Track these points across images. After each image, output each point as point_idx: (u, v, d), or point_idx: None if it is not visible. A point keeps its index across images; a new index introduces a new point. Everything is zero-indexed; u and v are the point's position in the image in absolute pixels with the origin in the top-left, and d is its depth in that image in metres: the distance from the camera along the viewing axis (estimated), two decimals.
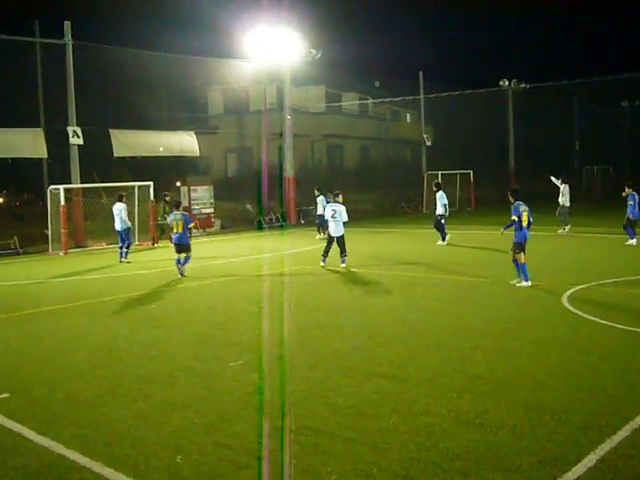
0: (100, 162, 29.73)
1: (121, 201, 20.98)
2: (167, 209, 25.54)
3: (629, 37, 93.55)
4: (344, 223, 17.26)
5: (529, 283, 13.89)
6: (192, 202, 30.06)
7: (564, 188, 24.98)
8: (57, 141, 26.86)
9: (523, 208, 13.71)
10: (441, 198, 22.36)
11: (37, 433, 6.67)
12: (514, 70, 57.25)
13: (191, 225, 16.97)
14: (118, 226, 20.75)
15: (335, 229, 17.27)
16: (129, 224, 20.97)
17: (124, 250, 20.66)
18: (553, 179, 26.16)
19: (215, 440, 6.36)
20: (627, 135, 59.52)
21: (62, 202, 23.61)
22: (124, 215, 20.70)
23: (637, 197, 20.56)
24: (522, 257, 13.87)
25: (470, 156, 44.58)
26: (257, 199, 34.33)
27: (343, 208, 17.29)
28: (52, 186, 24.76)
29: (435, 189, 22.68)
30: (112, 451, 6.19)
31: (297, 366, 8.64)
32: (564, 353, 8.90)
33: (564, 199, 24.85)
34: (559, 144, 54.14)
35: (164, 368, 8.85)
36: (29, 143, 25.69)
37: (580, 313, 11.23)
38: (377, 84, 48.88)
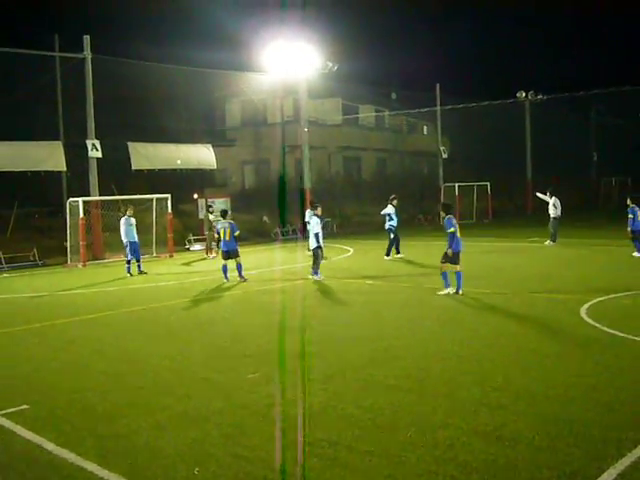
0: (118, 175, 29.96)
1: (125, 215, 20.74)
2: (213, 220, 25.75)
3: None
4: (316, 235, 17.64)
5: (449, 290, 14.71)
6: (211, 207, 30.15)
7: (555, 201, 24.90)
8: (76, 154, 27.11)
9: (455, 222, 14.65)
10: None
11: (56, 444, 6.71)
12: (531, 81, 57.06)
13: (237, 233, 17.57)
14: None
15: (310, 241, 17.86)
16: (125, 239, 20.44)
17: (128, 265, 20.43)
18: (540, 195, 26.17)
19: (233, 452, 6.37)
20: None
21: (81, 214, 23.81)
22: (122, 229, 20.44)
23: (637, 210, 20.74)
24: (449, 267, 14.69)
25: (487, 168, 44.50)
26: (276, 211, 34.44)
27: (315, 221, 17.76)
28: (71, 199, 24.98)
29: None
30: (130, 463, 6.22)
31: (314, 378, 8.63)
32: (583, 366, 8.84)
33: (556, 211, 24.80)
34: (577, 155, 53.90)
35: (182, 380, 8.88)
36: (48, 156, 25.94)
37: (599, 326, 11.15)
38: (393, 96, 48.98)
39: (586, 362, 9.04)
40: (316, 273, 17.74)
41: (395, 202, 22.49)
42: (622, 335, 10.43)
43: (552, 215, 24.99)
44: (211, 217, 26.58)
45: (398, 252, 22.47)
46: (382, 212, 22.73)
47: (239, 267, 17.62)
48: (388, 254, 22.27)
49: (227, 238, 17.45)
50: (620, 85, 40.85)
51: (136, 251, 20.59)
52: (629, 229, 20.93)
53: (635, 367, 8.73)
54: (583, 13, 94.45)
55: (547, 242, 24.88)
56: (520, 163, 48.00)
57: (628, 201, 21.32)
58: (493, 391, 7.87)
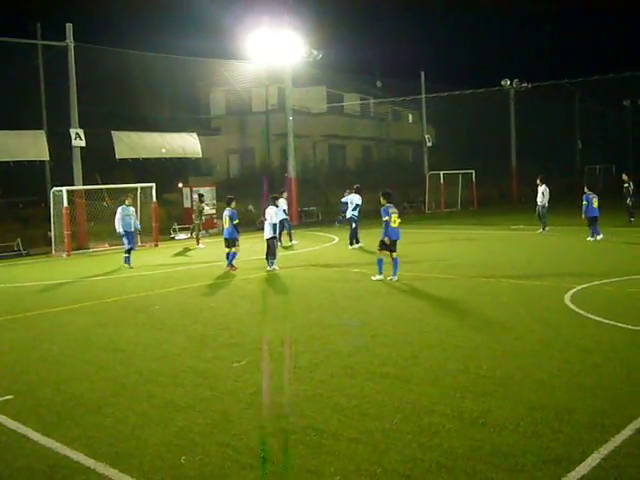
0: (103, 164, 29.79)
1: (123, 204, 20.19)
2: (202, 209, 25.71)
3: (630, 36, 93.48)
4: (273, 225, 17.71)
5: (381, 277, 15.24)
6: (194, 203, 30.12)
7: (544, 189, 25.02)
8: (59, 143, 26.90)
9: (392, 210, 15.07)
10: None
11: (42, 434, 6.69)
12: (516, 70, 57.30)
13: (236, 221, 17.74)
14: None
15: (266, 231, 17.78)
16: (120, 229, 19.65)
17: (128, 255, 19.65)
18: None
19: (219, 440, 6.37)
20: (629, 134, 59.51)
21: (65, 204, 23.65)
22: (116, 218, 19.78)
23: (591, 197, 22.04)
24: (384, 253, 15.26)
25: (472, 156, 44.63)
26: (262, 200, 34.38)
27: (273, 211, 17.82)
28: (55, 188, 24.80)
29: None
30: (116, 452, 6.21)
31: (300, 366, 8.65)
32: (567, 352, 8.91)
33: (544, 199, 24.94)
34: (561, 143, 54.15)
35: (167, 369, 8.87)
36: (31, 145, 25.72)
37: (583, 312, 11.23)
38: (378, 84, 48.94)
39: (570, 348, 9.10)
40: (272, 264, 17.58)
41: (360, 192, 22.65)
42: (606, 322, 10.51)
43: (540, 203, 25.08)
44: (206, 209, 26.58)
45: (358, 241, 22.46)
46: (352, 200, 22.48)
47: (233, 255, 17.77)
48: (352, 243, 22.31)
49: (226, 225, 17.79)
50: (604, 73, 41.02)
51: (131, 241, 19.88)
52: (583, 216, 22.16)
53: (618, 353, 8.81)
54: (567, 2, 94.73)
55: (539, 231, 24.91)
56: (505, 151, 48.15)
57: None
58: (478, 378, 7.92)
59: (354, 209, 22.37)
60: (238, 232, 17.91)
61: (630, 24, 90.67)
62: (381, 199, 15.38)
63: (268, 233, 17.68)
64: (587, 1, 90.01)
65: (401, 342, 9.78)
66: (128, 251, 19.61)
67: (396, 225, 15.12)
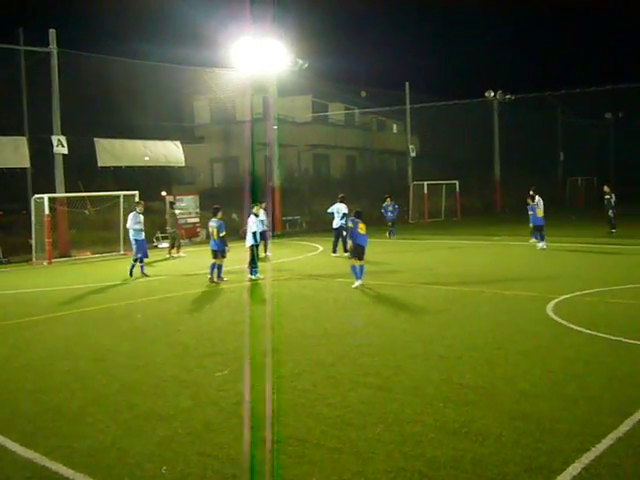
0: (85, 171, 29.57)
1: (136, 210, 19.66)
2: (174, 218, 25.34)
3: (612, 49, 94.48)
4: (253, 234, 17.67)
5: (360, 282, 15.85)
6: (178, 212, 30.02)
7: (538, 200, 25.01)
8: (41, 150, 26.69)
9: (359, 220, 16.07)
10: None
11: (20, 444, 6.60)
12: (500, 81, 57.67)
13: (222, 233, 17.05)
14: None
15: (247, 239, 17.82)
16: (132, 235, 19.24)
17: (142, 263, 19.08)
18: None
19: (200, 450, 6.32)
20: (611, 146, 60.08)
21: (46, 211, 23.47)
22: (128, 225, 19.38)
23: (536, 207, 23.71)
24: (355, 261, 16.06)
25: (456, 166, 44.81)
26: (246, 209, 34.29)
27: (252, 220, 17.85)
28: (36, 195, 24.60)
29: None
30: (96, 462, 6.14)
31: (283, 376, 8.62)
32: (549, 362, 8.93)
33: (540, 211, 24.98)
34: (544, 155, 54.53)
35: (149, 378, 8.80)
36: (12, 152, 25.49)
37: (565, 323, 11.29)
38: (363, 94, 49.04)
39: (552, 358, 9.13)
40: (253, 272, 17.63)
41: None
42: (587, 332, 10.57)
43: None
44: (177, 212, 26.39)
45: (335, 251, 23.03)
46: (338, 210, 23.13)
47: (218, 268, 17.12)
48: (335, 251, 22.93)
49: (215, 237, 17.11)
50: (586, 86, 41.41)
51: (140, 249, 19.15)
52: (530, 225, 24.20)
53: (599, 363, 8.85)
54: (550, 15, 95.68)
55: (534, 241, 24.55)
56: (489, 162, 48.41)
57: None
58: (461, 388, 7.92)
59: (342, 218, 22.71)
60: (226, 244, 17.20)
61: (612, 38, 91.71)
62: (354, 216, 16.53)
63: (249, 241, 17.68)
64: (571, 15, 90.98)
65: (384, 352, 9.77)
66: (136, 260, 19.01)
67: (363, 232, 15.94)
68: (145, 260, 19.32)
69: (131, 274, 18.80)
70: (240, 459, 6.09)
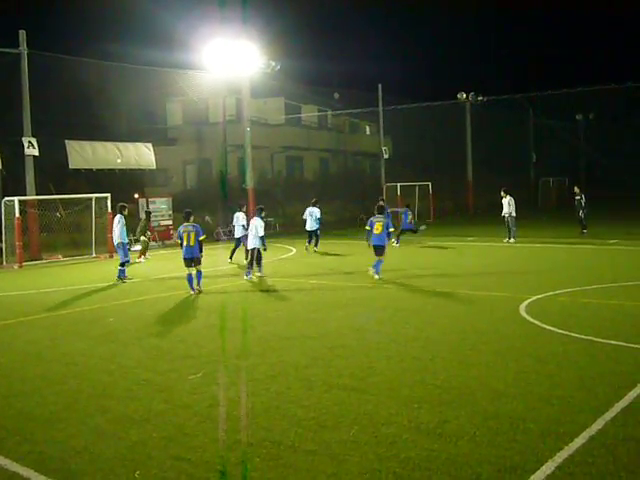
0: (56, 173, 29.26)
1: (120, 213, 18.79)
2: (143, 228, 24.95)
3: (583, 51, 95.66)
4: (261, 237, 17.77)
5: (377, 276, 17.06)
6: (150, 214, 29.85)
7: (510, 199, 25.44)
8: (12, 152, 26.37)
9: (377, 220, 17.30)
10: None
11: None
12: (472, 83, 58.13)
13: (202, 237, 15.94)
14: (114, 239, 18.93)
15: (250, 241, 17.99)
16: (119, 240, 18.47)
17: (121, 268, 18.47)
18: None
19: (174, 454, 6.28)
20: (582, 148, 60.81)
21: (17, 214, 23.18)
22: (119, 228, 18.48)
23: (409, 213, 26.68)
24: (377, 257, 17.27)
25: (429, 168, 45.05)
26: (217, 211, 34.21)
27: (258, 223, 17.80)
28: (6, 198, 24.27)
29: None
30: (69, 467, 6.07)
31: (257, 378, 8.59)
32: (522, 362, 9.00)
33: (510, 209, 25.34)
34: (516, 156, 55.02)
35: (122, 382, 8.72)
36: None
37: (537, 323, 11.38)
38: (336, 96, 49.14)
39: (525, 358, 9.21)
40: (258, 271, 18.09)
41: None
42: (560, 332, 10.67)
43: (508, 213, 25.48)
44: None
45: (307, 247, 24.55)
46: (311, 213, 24.35)
47: (199, 275, 15.87)
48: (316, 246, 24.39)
49: (191, 243, 15.60)
50: (557, 88, 41.90)
51: (127, 253, 18.69)
52: (401, 228, 26.32)
53: (572, 362, 8.94)
54: (522, 17, 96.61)
55: (506, 240, 25.38)
56: (461, 163, 48.72)
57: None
58: (435, 389, 7.96)
59: (316, 221, 24.19)
60: (202, 250, 15.94)
61: (584, 40, 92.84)
62: (375, 211, 18.01)
63: (252, 243, 17.73)
64: (543, 17, 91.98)
65: (358, 353, 9.78)
66: (123, 264, 18.43)
67: (378, 232, 17.10)
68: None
69: (123, 277, 18.40)
70: (214, 462, 6.05)
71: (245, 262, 21.44)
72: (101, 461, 6.19)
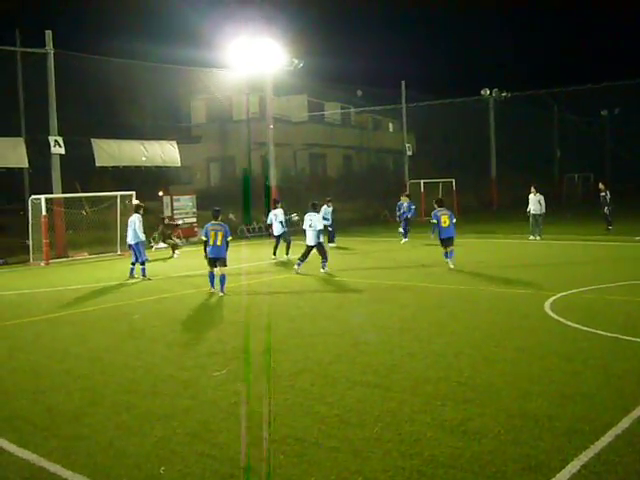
0: (82, 172, 29.54)
1: (137, 212, 18.80)
2: (160, 233, 25.22)
3: (608, 46, 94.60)
4: (319, 231, 18.25)
5: (452, 264, 18.15)
6: (175, 212, 30.06)
7: (540, 197, 25.28)
8: (39, 150, 26.65)
9: (442, 213, 18.30)
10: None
11: (18, 446, 6.59)
12: (495, 79, 57.76)
13: (229, 237, 15.51)
14: (130, 239, 18.63)
15: (311, 238, 18.18)
16: (142, 237, 18.45)
17: (135, 266, 18.54)
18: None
19: (199, 450, 6.31)
20: (607, 143, 60.16)
21: (43, 212, 23.44)
22: (137, 227, 18.36)
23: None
24: (447, 248, 18.44)
25: (453, 165, 44.83)
26: (241, 208, 34.34)
27: (315, 217, 18.39)
28: (33, 196, 24.56)
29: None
30: (95, 463, 6.13)
31: (280, 375, 8.61)
32: (547, 360, 8.94)
33: (541, 208, 25.17)
34: (540, 152, 54.58)
35: (147, 378, 8.79)
36: (10, 152, 25.45)
37: (562, 320, 11.29)
38: (359, 93, 49.05)
39: (550, 356, 9.14)
40: (324, 266, 18.37)
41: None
42: (585, 329, 10.57)
43: (537, 212, 25.32)
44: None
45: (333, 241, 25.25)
46: (325, 215, 24.18)
47: (223, 279, 15.30)
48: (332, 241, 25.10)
49: (218, 243, 15.18)
50: (582, 84, 41.46)
51: (140, 251, 18.53)
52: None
53: (597, 360, 8.86)
54: (546, 12, 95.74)
55: (536, 237, 25.22)
56: (485, 160, 48.42)
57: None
58: (459, 386, 7.92)
59: (327, 219, 24.33)
60: (227, 250, 15.54)
61: (608, 35, 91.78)
62: (435, 205, 18.84)
63: (313, 240, 18.08)
64: (567, 12, 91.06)
65: (382, 350, 9.77)
66: (143, 262, 18.39)
67: (446, 225, 18.13)
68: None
69: (144, 274, 18.43)
70: (238, 459, 6.08)
71: (285, 257, 21.49)
72: (126, 457, 6.24)
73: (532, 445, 6.14)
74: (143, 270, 18.48)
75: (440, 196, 41.76)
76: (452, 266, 18.09)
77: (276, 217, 22.50)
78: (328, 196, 25.76)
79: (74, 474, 5.90)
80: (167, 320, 12.73)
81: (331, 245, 24.50)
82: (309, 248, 18.28)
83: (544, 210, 25.36)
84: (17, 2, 42.56)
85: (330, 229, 24.98)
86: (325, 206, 24.51)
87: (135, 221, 18.54)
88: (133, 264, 18.75)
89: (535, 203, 25.39)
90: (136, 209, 19.21)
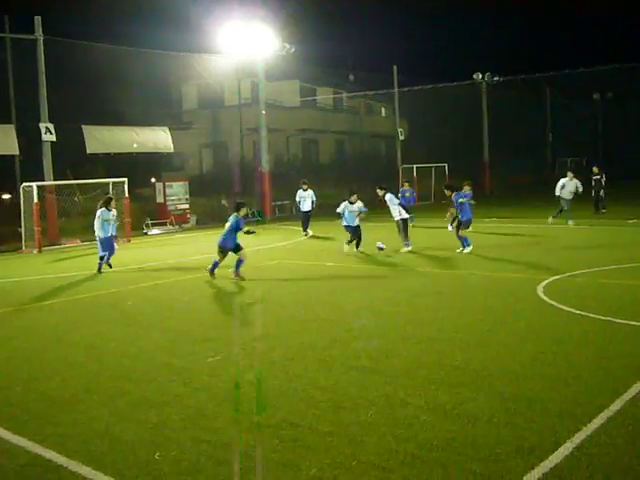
0: (74, 159, 29.42)
1: (103, 207, 17.74)
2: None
3: (600, 30, 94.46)
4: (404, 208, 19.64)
5: (470, 249, 18.20)
6: (167, 198, 30.00)
7: (577, 182, 24.57)
8: (29, 137, 26.53)
9: (462, 195, 18.90)
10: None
11: (13, 433, 6.60)
12: (488, 63, 57.63)
13: (244, 229, 15.43)
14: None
15: (396, 213, 19.39)
16: (101, 233, 17.44)
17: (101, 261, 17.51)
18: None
19: (194, 436, 6.33)
20: (599, 127, 60.23)
21: (35, 199, 23.35)
22: (95, 221, 17.53)
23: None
24: (464, 232, 18.61)
25: (445, 149, 44.82)
26: (233, 194, 34.30)
27: (388, 196, 19.61)
28: (25, 183, 24.45)
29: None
30: (90, 449, 6.14)
31: (274, 360, 8.63)
32: (539, 343, 8.98)
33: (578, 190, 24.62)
34: (533, 136, 54.60)
35: (141, 365, 8.80)
36: (0, 140, 25.33)
37: (555, 303, 11.34)
38: (351, 78, 48.95)
39: (543, 339, 9.18)
40: (407, 245, 19.18)
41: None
42: (578, 312, 10.63)
43: (567, 197, 24.52)
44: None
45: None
46: (313, 197, 25.38)
47: (237, 262, 15.33)
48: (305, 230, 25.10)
49: (228, 233, 15.32)
50: (574, 67, 41.44)
51: (106, 248, 17.57)
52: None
53: (589, 343, 8.91)
54: None
55: (570, 222, 24.31)
56: (477, 144, 48.41)
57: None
58: (452, 370, 7.96)
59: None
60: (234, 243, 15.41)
61: (600, 19, 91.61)
62: (446, 190, 19.46)
63: (398, 214, 19.10)
64: None
65: (376, 335, 9.80)
66: (101, 258, 17.54)
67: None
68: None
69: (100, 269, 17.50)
70: (233, 444, 6.10)
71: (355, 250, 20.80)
72: (121, 443, 6.26)
73: (525, 428, 6.18)
74: (100, 264, 17.47)
75: (432, 180, 42.06)
76: (466, 251, 18.28)
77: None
78: (305, 180, 26.04)
79: (69, 460, 5.91)
80: (161, 307, 12.73)
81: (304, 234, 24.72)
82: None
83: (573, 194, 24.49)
84: None
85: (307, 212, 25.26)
86: (301, 189, 25.21)
87: (97, 216, 17.55)
88: (101, 258, 17.59)
89: (573, 187, 24.48)
90: (103, 203, 18.00)
